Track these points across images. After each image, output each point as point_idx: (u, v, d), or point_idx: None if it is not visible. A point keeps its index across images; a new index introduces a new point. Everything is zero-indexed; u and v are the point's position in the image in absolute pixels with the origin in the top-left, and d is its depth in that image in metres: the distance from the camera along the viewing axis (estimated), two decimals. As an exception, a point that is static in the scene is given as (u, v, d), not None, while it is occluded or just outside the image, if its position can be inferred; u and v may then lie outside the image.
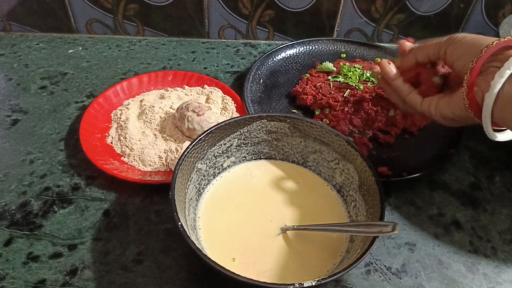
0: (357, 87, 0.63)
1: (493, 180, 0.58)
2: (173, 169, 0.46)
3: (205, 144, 0.47)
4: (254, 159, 0.54)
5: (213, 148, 0.49)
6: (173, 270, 0.44)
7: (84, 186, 0.53)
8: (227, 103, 0.63)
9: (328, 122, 0.62)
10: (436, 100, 0.46)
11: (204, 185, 0.49)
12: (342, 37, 0.85)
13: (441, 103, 0.45)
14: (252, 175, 0.52)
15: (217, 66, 0.76)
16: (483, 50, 0.39)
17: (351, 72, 0.67)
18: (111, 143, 0.57)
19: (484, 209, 0.54)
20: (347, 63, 0.70)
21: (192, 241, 0.36)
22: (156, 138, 0.57)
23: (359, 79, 0.66)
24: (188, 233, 0.37)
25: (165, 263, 0.45)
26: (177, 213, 0.38)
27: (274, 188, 0.51)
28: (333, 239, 0.46)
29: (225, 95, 0.64)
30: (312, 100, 0.65)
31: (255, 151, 0.53)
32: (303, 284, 0.35)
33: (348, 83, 0.65)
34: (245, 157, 0.53)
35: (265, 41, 0.84)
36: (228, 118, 0.53)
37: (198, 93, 0.65)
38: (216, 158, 0.50)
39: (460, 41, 0.43)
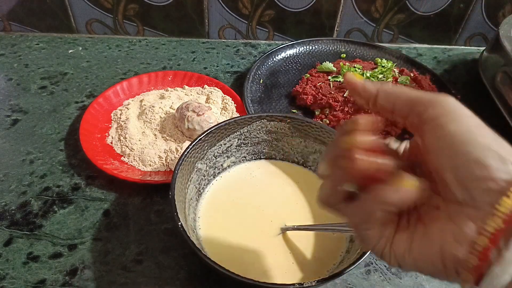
0: (357, 87, 0.63)
1: (493, 180, 0.58)
2: (173, 169, 0.46)
3: (205, 144, 0.47)
4: (254, 159, 0.54)
5: (213, 148, 0.49)
6: (173, 270, 0.44)
7: (84, 186, 0.52)
8: (227, 103, 0.63)
9: (328, 122, 0.62)
10: (404, 242, 0.25)
11: (204, 185, 0.49)
12: (342, 37, 0.85)
13: (416, 248, 0.24)
14: (252, 175, 0.52)
15: (217, 66, 0.76)
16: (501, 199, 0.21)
17: (351, 72, 0.67)
18: (111, 143, 0.57)
19: (484, 209, 0.54)
20: (347, 63, 0.70)
21: (192, 241, 0.36)
22: (156, 138, 0.57)
23: (359, 79, 0.66)
24: (188, 233, 0.37)
25: (165, 263, 0.45)
26: (177, 213, 0.38)
27: (274, 188, 0.51)
28: (333, 239, 0.46)
29: (225, 95, 0.64)
30: (312, 100, 0.65)
31: (255, 151, 0.53)
32: (303, 284, 0.35)
33: (348, 83, 0.65)
34: (245, 157, 0.53)
35: (265, 41, 0.84)
36: (228, 118, 0.53)
37: (198, 93, 0.65)
38: (216, 158, 0.50)
39: (447, 128, 0.23)
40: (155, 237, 0.47)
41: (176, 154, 0.55)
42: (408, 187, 0.23)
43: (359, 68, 0.69)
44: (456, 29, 0.86)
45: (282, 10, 0.79)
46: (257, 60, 0.72)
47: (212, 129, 0.47)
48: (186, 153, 0.44)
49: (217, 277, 0.44)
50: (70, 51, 0.77)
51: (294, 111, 0.66)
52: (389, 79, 0.64)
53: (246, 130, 0.50)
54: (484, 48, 0.76)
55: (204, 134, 0.46)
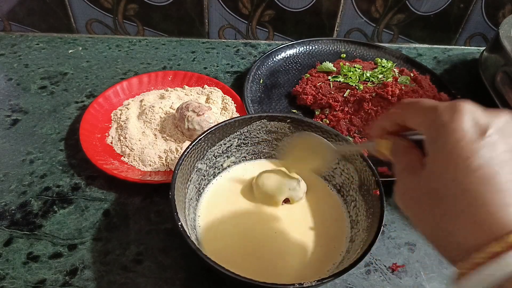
0: (357, 87, 0.63)
1: (493, 180, 0.58)
2: (173, 169, 0.46)
3: (205, 144, 0.47)
4: (254, 159, 0.54)
5: (213, 148, 0.49)
6: (173, 270, 0.44)
7: (84, 186, 0.52)
8: (227, 103, 0.63)
9: (328, 122, 0.62)
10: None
11: (204, 185, 0.49)
12: (342, 37, 0.85)
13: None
14: (252, 175, 0.52)
15: (217, 66, 0.76)
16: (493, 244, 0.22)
17: (351, 72, 0.67)
18: (111, 143, 0.57)
19: (484, 209, 0.54)
20: (347, 63, 0.70)
21: (192, 241, 0.36)
22: (156, 138, 0.57)
23: (359, 79, 0.66)
24: (188, 233, 0.37)
25: (165, 263, 0.45)
26: (177, 213, 0.38)
27: (274, 188, 0.51)
28: (333, 239, 0.46)
29: (225, 95, 0.64)
30: (312, 100, 0.65)
31: (255, 151, 0.53)
32: (303, 284, 0.35)
33: (348, 83, 0.65)
34: (245, 157, 0.53)
35: (265, 41, 0.84)
36: (228, 118, 0.53)
37: (198, 93, 0.65)
38: (216, 158, 0.50)
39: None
40: (155, 237, 0.47)
41: (176, 154, 0.55)
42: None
43: (359, 68, 0.69)
44: (456, 29, 0.86)
45: (282, 10, 0.79)
46: (257, 60, 0.72)
47: (212, 129, 0.47)
48: (186, 153, 0.44)
49: (217, 277, 0.44)
50: (70, 51, 0.77)
51: (294, 111, 0.66)
52: (389, 79, 0.64)
53: (246, 130, 0.50)
54: (484, 48, 0.76)
55: (204, 134, 0.46)
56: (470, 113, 0.25)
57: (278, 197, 0.48)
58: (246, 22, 0.81)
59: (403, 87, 0.63)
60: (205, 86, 0.66)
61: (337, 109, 0.62)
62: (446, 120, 0.25)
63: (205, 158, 0.48)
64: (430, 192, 0.25)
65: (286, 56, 0.76)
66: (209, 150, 0.48)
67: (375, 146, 0.34)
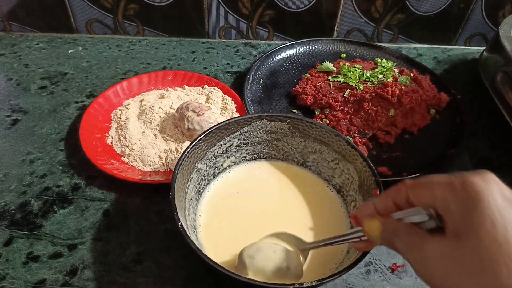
0: (357, 87, 0.63)
1: (493, 180, 0.58)
2: (173, 169, 0.46)
3: (205, 144, 0.47)
4: (254, 159, 0.54)
5: (213, 148, 0.49)
6: (173, 270, 0.44)
7: (84, 186, 0.52)
8: (227, 103, 0.63)
9: (328, 122, 0.62)
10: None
11: (204, 185, 0.49)
12: (342, 37, 0.85)
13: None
14: (252, 175, 0.52)
15: (217, 66, 0.76)
16: None
17: (351, 72, 0.67)
18: (111, 143, 0.57)
19: (484, 209, 0.54)
20: (347, 63, 0.70)
21: (192, 241, 0.36)
22: (156, 138, 0.57)
23: (359, 79, 0.66)
24: (188, 233, 0.37)
25: (165, 263, 0.45)
26: (177, 213, 0.38)
27: (274, 188, 0.51)
28: (333, 239, 0.46)
29: (225, 95, 0.64)
30: (312, 100, 0.65)
31: (255, 151, 0.53)
32: (303, 284, 0.35)
33: (348, 83, 0.65)
34: (245, 157, 0.53)
35: (265, 41, 0.84)
36: (228, 118, 0.53)
37: (198, 93, 0.65)
38: (216, 158, 0.50)
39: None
40: (155, 237, 0.47)
41: (176, 154, 0.55)
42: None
43: (359, 68, 0.68)
44: (456, 29, 0.86)
45: (282, 10, 0.79)
46: (257, 60, 0.72)
47: (212, 129, 0.47)
48: (186, 153, 0.44)
49: (217, 277, 0.44)
50: (70, 51, 0.77)
51: (294, 111, 0.66)
52: (389, 79, 0.64)
53: (246, 130, 0.50)
54: (484, 48, 0.76)
55: (204, 134, 0.46)
56: (498, 185, 0.27)
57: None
58: (246, 22, 0.81)
59: (403, 87, 0.63)
60: (205, 86, 0.66)
61: (337, 109, 0.62)
62: (480, 190, 0.27)
63: (205, 158, 0.48)
64: (480, 259, 0.26)
65: (286, 56, 0.76)
66: (209, 150, 0.48)
67: (364, 228, 0.34)
